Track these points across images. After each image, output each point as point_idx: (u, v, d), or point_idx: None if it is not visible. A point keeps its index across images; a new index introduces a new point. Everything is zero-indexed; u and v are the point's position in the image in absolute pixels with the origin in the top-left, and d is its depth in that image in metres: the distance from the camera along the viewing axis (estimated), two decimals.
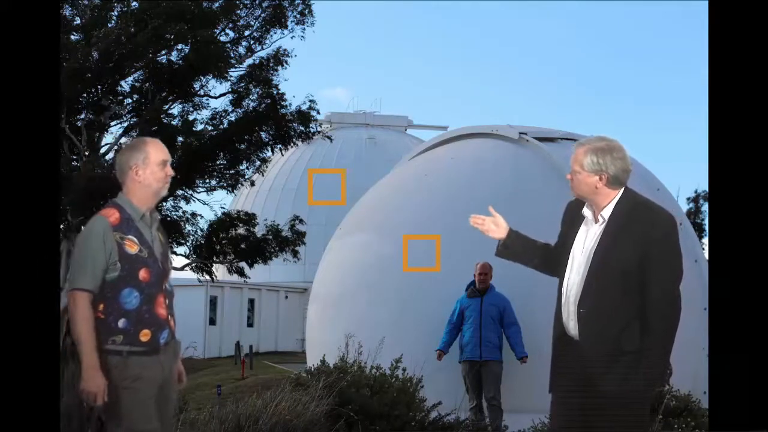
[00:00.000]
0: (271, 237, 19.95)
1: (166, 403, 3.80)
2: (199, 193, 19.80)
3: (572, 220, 3.86)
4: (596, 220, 3.72)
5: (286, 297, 31.48)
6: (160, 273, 3.81)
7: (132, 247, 3.69)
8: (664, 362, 3.65)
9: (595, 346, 3.62)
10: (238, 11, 18.95)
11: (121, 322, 3.64)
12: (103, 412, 3.66)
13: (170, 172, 3.90)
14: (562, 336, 3.78)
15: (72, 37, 17.49)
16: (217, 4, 18.75)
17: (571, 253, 3.77)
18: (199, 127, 19.12)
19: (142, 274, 3.70)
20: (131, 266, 3.67)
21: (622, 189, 3.74)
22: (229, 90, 19.22)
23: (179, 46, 18.02)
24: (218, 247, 19.71)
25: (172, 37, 17.39)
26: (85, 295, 3.59)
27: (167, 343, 3.80)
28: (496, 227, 3.98)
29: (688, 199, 30.14)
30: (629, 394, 3.59)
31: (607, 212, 3.70)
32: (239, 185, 20.32)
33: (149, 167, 3.81)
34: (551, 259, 3.91)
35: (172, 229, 18.99)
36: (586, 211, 3.76)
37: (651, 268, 3.57)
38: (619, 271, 3.60)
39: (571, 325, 3.72)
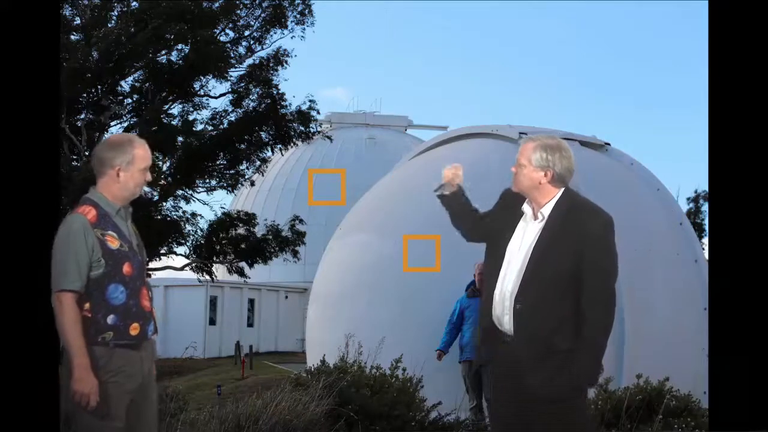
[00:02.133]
0: (271, 237, 19.96)
1: (144, 402, 3.78)
2: (199, 193, 19.84)
3: (506, 206, 3.89)
4: (535, 217, 3.73)
5: (286, 297, 31.48)
6: (140, 265, 3.78)
7: (113, 242, 3.66)
8: (596, 362, 3.63)
9: (528, 343, 3.63)
10: (238, 11, 18.97)
11: (110, 319, 3.62)
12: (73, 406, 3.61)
13: (149, 177, 3.85)
14: (493, 332, 3.77)
15: (72, 37, 17.51)
16: (217, 4, 18.77)
17: (507, 249, 3.77)
18: (199, 127, 19.14)
19: (126, 268, 3.68)
20: (115, 262, 3.65)
21: (563, 189, 3.74)
22: (229, 90, 19.24)
23: (179, 46, 18.05)
24: (218, 247, 19.72)
25: (172, 37, 17.41)
26: (71, 296, 3.54)
27: (151, 334, 3.81)
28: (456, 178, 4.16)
29: (688, 199, 30.16)
30: (556, 393, 3.58)
31: (546, 210, 3.71)
32: (239, 185, 20.34)
33: (131, 171, 3.75)
34: (475, 229, 4.04)
35: (172, 229, 19.01)
36: (526, 208, 3.77)
37: (585, 268, 3.57)
38: (556, 270, 3.61)
39: (506, 320, 3.71)
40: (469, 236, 4.10)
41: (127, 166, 3.73)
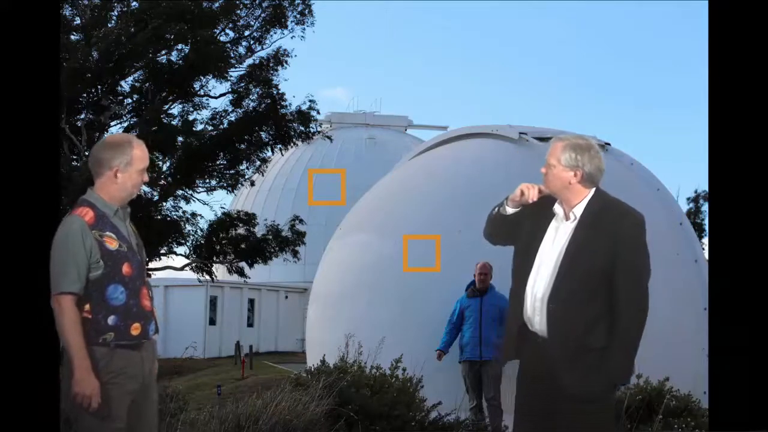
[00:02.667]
0: (271, 237, 19.96)
1: (145, 402, 3.77)
2: (199, 193, 19.82)
3: (535, 207, 3.82)
4: (567, 218, 3.73)
5: (286, 297, 31.48)
6: (140, 265, 3.77)
7: (112, 243, 3.65)
8: (629, 361, 3.65)
9: (561, 342, 3.63)
10: (238, 11, 18.95)
11: (110, 320, 3.61)
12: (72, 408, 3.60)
13: (146, 178, 3.83)
14: (524, 332, 3.77)
15: (72, 37, 17.50)
16: (217, 4, 18.75)
17: (539, 250, 3.76)
18: (199, 127, 19.13)
19: (125, 268, 3.67)
20: (114, 262, 3.64)
21: (594, 189, 3.75)
22: (229, 90, 19.23)
23: (179, 46, 18.04)
24: (218, 247, 19.71)
25: (172, 37, 17.40)
26: (71, 298, 3.54)
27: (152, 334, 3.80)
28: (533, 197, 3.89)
29: (688, 199, 30.16)
30: (590, 392, 3.60)
31: (578, 210, 3.72)
32: (239, 185, 20.32)
33: (129, 172, 3.73)
34: (503, 233, 3.95)
35: (172, 229, 19.00)
36: (557, 209, 3.77)
37: (618, 267, 3.59)
38: (589, 270, 3.62)
39: (537, 321, 3.71)
40: (495, 241, 4.05)
41: (126, 167, 3.72)
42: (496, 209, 3.94)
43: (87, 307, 3.59)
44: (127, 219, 3.83)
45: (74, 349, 3.51)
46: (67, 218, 3.66)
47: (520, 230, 3.85)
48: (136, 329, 3.68)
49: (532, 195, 3.79)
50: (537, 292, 3.72)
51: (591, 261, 3.62)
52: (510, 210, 3.87)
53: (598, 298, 3.61)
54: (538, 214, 3.82)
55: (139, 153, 3.75)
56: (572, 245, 3.66)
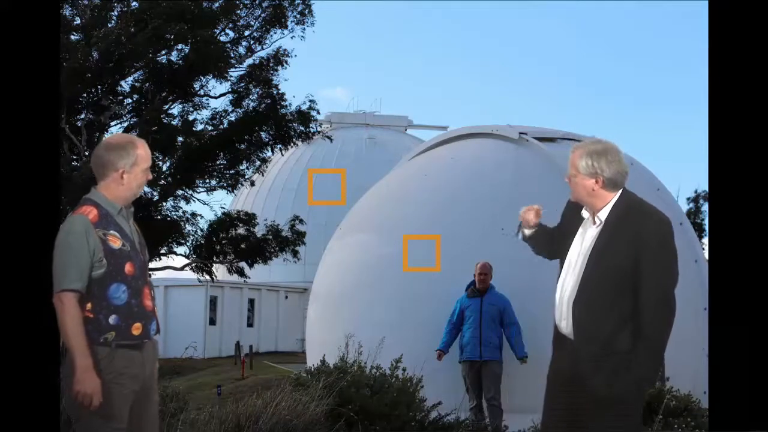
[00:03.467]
0: (271, 237, 19.96)
1: (146, 402, 3.77)
2: (199, 193, 19.83)
3: (571, 217, 3.91)
4: (594, 222, 3.74)
5: (286, 297, 31.47)
6: (142, 265, 3.77)
7: (115, 242, 3.66)
8: (656, 363, 3.66)
9: (588, 345, 3.65)
10: (238, 11, 18.96)
11: (111, 319, 3.61)
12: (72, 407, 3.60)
13: (150, 176, 3.84)
14: (557, 334, 3.82)
15: (72, 37, 17.50)
16: (217, 4, 18.75)
17: (568, 254, 3.80)
18: (199, 127, 19.14)
19: (128, 268, 3.67)
20: (116, 261, 3.64)
21: (620, 191, 3.74)
22: (229, 90, 19.24)
23: (179, 46, 18.04)
24: (218, 247, 19.72)
25: (172, 37, 17.40)
26: (73, 296, 3.53)
27: (154, 334, 3.80)
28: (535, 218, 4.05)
29: (688, 199, 30.13)
30: (618, 394, 3.60)
31: (603, 214, 3.72)
32: (239, 185, 20.33)
33: (135, 172, 3.74)
34: (552, 248, 4.01)
35: (172, 229, 19.00)
36: (585, 214, 3.79)
37: (645, 269, 3.59)
38: (614, 272, 3.62)
39: (564, 324, 3.74)
40: (550, 256, 4.09)
41: (131, 168, 3.72)
42: (519, 235, 4.07)
43: (88, 306, 3.59)
44: (130, 218, 3.83)
45: (75, 347, 3.51)
46: (70, 217, 3.66)
47: (564, 242, 3.89)
48: (137, 329, 3.68)
49: (531, 220, 3.96)
50: (564, 295, 3.75)
51: (614, 263, 3.62)
52: (528, 232, 4.02)
53: (623, 301, 3.61)
54: (571, 221, 3.88)
55: (143, 153, 3.76)
56: (596, 249, 3.68)
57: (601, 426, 3.63)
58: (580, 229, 3.80)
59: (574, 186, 3.76)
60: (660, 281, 3.61)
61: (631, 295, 3.60)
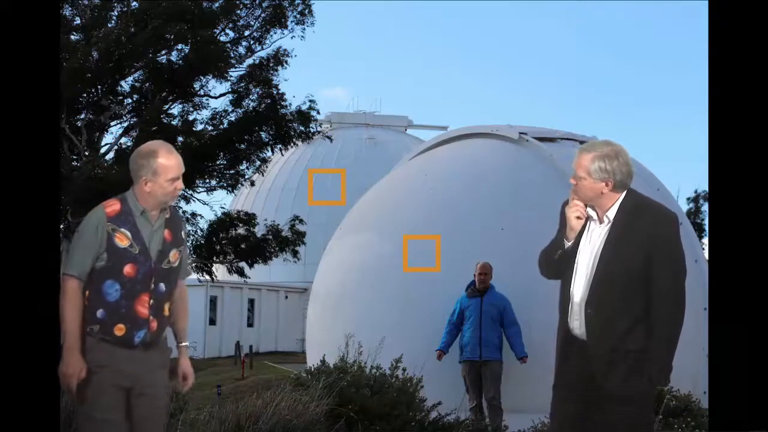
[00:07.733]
0: (271, 237, 19.94)
1: (147, 406, 3.76)
2: (199, 193, 19.78)
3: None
4: (601, 221, 3.73)
5: (286, 297, 31.46)
6: (148, 272, 3.74)
7: (122, 240, 3.68)
8: (668, 360, 3.67)
9: (600, 345, 3.64)
10: (238, 11, 18.93)
11: (99, 312, 3.68)
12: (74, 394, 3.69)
13: (180, 186, 3.79)
14: (567, 335, 3.79)
15: (72, 37, 17.48)
16: (217, 4, 18.74)
17: (577, 254, 3.78)
18: (199, 127, 19.11)
19: (127, 269, 3.68)
20: (117, 259, 3.67)
21: (626, 190, 3.75)
22: (229, 90, 19.21)
23: (179, 46, 18.01)
24: (218, 247, 19.69)
25: (172, 37, 17.37)
26: (72, 280, 3.66)
27: (145, 343, 3.77)
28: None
29: (688, 199, 30.19)
30: (630, 394, 3.60)
31: (611, 213, 3.72)
32: (239, 185, 20.30)
33: (158, 182, 3.72)
34: (558, 270, 3.89)
35: None
36: (591, 212, 3.77)
37: (654, 266, 3.59)
38: (625, 271, 3.62)
39: (576, 325, 3.73)
40: (556, 277, 3.93)
41: (153, 177, 3.71)
42: (559, 251, 3.81)
43: (87, 294, 3.70)
44: (157, 224, 3.78)
45: (66, 330, 3.62)
46: (96, 207, 3.79)
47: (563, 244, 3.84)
48: (120, 330, 3.69)
49: (582, 211, 3.72)
50: (575, 297, 3.73)
51: (625, 263, 3.62)
52: (568, 243, 3.79)
53: (635, 299, 3.62)
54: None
55: (165, 162, 3.72)
56: (606, 249, 3.67)
57: (613, 425, 3.62)
58: (586, 228, 3.79)
59: (582, 188, 3.74)
60: (673, 279, 3.62)
61: (643, 292, 3.60)
